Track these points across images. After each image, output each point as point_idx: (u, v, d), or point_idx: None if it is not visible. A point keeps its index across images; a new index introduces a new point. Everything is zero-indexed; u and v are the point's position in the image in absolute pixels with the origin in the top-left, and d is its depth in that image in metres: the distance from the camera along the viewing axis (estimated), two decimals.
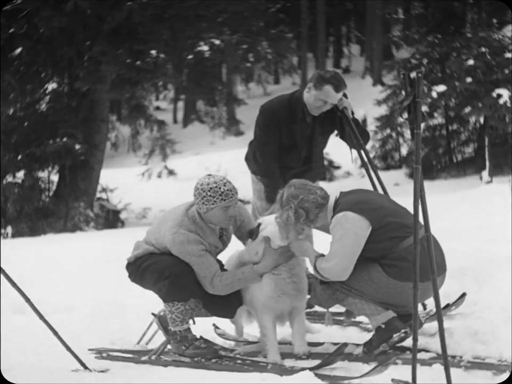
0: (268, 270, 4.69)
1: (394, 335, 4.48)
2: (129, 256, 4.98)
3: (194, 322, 5.07)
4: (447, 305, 5.31)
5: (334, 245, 4.42)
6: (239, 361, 4.74)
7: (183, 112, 32.21)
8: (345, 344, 4.46)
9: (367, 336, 4.84)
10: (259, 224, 4.76)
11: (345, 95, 5.79)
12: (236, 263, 4.91)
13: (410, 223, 4.38)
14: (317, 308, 6.00)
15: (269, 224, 4.71)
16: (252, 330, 5.28)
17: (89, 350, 5.25)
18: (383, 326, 4.51)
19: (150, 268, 4.81)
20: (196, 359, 4.80)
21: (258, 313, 4.77)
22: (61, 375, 4.68)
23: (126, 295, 6.67)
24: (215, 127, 29.06)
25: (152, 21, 14.93)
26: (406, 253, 4.29)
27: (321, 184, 6.17)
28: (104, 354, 5.16)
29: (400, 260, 4.35)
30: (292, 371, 4.34)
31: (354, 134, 5.76)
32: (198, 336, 4.91)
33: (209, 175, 4.75)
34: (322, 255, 4.49)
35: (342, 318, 5.56)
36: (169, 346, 5.01)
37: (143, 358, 4.99)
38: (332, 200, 4.55)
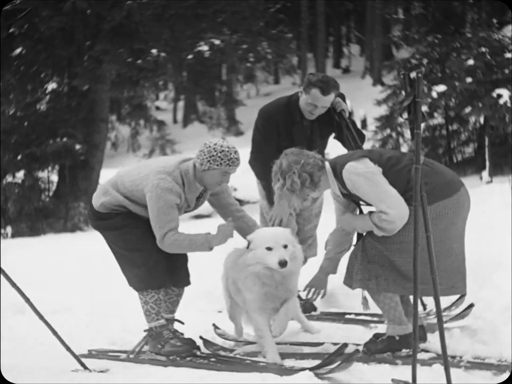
0: (220, 243, 4.74)
1: (404, 350, 4.47)
2: (94, 201, 5.00)
3: (183, 323, 5.13)
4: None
5: (372, 197, 4.33)
6: (213, 360, 4.79)
7: (183, 112, 32.19)
8: (346, 345, 4.45)
9: (367, 336, 4.84)
10: (249, 243, 4.71)
11: (343, 98, 5.79)
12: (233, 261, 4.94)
13: (404, 153, 4.45)
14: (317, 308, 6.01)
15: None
16: (251, 330, 5.28)
17: (89, 350, 5.25)
18: (397, 338, 4.50)
19: (119, 250, 4.95)
20: (171, 357, 4.87)
21: (252, 315, 4.77)
22: (61, 375, 4.68)
23: (126, 295, 6.66)
24: (214, 127, 29.04)
25: (152, 20, 14.93)
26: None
27: None
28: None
29: None
30: (291, 371, 4.34)
31: (352, 136, 5.76)
32: (174, 332, 5.00)
33: (223, 138, 4.87)
34: (370, 212, 4.41)
35: (338, 318, 5.58)
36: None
37: (122, 357, 5.02)
38: (327, 165, 4.52)
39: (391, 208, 4.29)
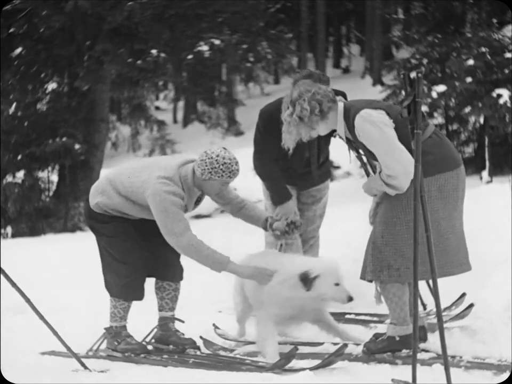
0: (237, 274, 4.82)
1: (404, 351, 4.46)
2: (90, 198, 5.05)
3: (183, 321, 5.20)
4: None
5: (380, 149, 4.35)
6: (165, 356, 4.92)
7: (183, 112, 32.17)
8: (346, 345, 4.45)
9: (367, 336, 4.84)
10: (310, 276, 4.60)
11: (345, 97, 5.80)
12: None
13: (424, 119, 4.45)
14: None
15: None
16: (252, 330, 5.28)
17: (89, 350, 5.25)
18: (397, 338, 4.49)
19: (106, 255, 5.04)
20: (126, 354, 5.03)
21: (264, 321, 4.73)
22: (61, 375, 4.68)
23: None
24: (213, 127, 29.02)
25: (152, 20, 14.93)
26: (426, 145, 4.26)
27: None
28: (104, 354, 5.17)
29: (423, 154, 4.12)
30: (291, 371, 4.34)
31: None
32: (175, 331, 5.14)
33: (224, 148, 4.86)
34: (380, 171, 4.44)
35: (338, 318, 5.58)
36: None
37: (82, 354, 5.07)
38: (340, 104, 4.53)
39: (396, 162, 4.31)
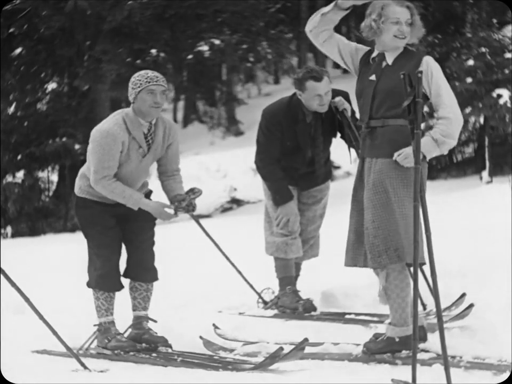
0: (148, 208, 4.95)
1: (404, 351, 4.46)
2: (75, 188, 5.21)
3: (156, 321, 5.23)
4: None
5: (445, 88, 4.44)
6: (153, 355, 4.94)
7: (183, 112, 32.17)
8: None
9: (367, 336, 4.84)
10: None
11: (347, 97, 5.83)
12: None
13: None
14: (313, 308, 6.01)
15: None
16: (252, 330, 5.28)
17: (80, 348, 5.25)
18: (397, 339, 4.49)
19: (88, 247, 5.15)
20: (116, 351, 5.07)
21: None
22: (61, 375, 4.68)
23: (125, 295, 6.66)
24: (214, 126, 29.03)
25: (152, 20, 14.95)
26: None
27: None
28: (94, 352, 5.18)
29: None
30: (291, 371, 4.34)
31: (354, 135, 5.77)
32: (148, 329, 5.15)
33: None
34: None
35: (338, 318, 5.58)
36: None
37: (75, 351, 5.07)
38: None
39: (455, 105, 4.41)
